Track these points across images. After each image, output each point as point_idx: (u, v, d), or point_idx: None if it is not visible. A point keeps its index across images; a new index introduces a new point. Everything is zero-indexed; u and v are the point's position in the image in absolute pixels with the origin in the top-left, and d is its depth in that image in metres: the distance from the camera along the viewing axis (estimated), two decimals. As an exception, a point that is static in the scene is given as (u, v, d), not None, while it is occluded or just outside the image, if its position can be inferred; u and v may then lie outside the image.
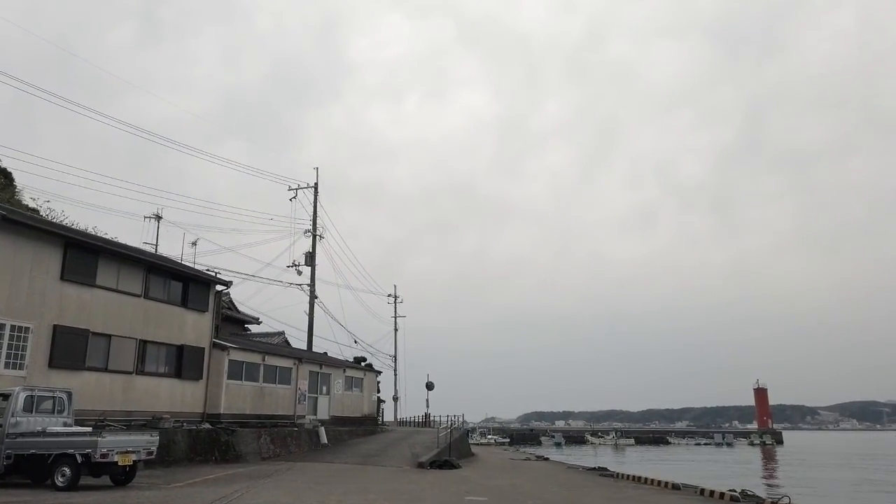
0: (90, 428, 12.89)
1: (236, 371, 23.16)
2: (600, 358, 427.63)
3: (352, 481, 16.00)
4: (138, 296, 19.73)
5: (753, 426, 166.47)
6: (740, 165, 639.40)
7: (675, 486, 16.29)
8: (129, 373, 19.17)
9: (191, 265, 26.08)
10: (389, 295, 59.15)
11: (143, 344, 19.76)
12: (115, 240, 23.91)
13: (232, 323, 34.52)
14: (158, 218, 38.10)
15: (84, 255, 17.99)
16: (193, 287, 22.04)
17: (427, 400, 46.03)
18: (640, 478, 18.59)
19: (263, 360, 24.62)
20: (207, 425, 21.07)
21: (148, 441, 12.97)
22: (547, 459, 33.77)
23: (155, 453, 13.26)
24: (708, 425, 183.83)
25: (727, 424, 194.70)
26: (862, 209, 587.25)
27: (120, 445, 12.17)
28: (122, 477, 12.96)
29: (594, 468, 25.26)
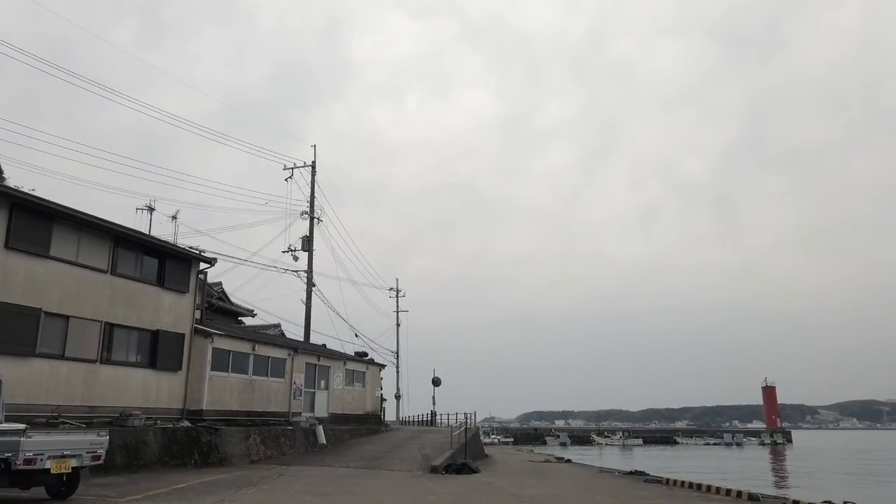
0: (21, 425, 9.93)
1: (222, 361, 20.23)
2: (600, 357, 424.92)
3: (356, 492, 13.12)
4: (104, 271, 16.79)
5: (754, 425, 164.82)
6: (743, 165, 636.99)
7: (753, 497, 13.39)
8: (93, 361, 16.24)
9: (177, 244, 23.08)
10: (391, 288, 56.27)
11: (110, 328, 16.83)
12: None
13: (225, 315, 31.63)
14: (151, 209, 35.08)
15: (35, 220, 15.04)
16: (171, 264, 19.10)
17: (433, 397, 43.11)
18: (700, 485, 15.66)
19: (253, 349, 21.68)
20: (186, 423, 18.17)
21: (93, 443, 10.04)
22: (569, 461, 30.84)
23: (103, 457, 10.34)
24: (708, 424, 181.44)
25: (727, 424, 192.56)
26: (864, 208, 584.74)
27: (53, 448, 9.25)
28: (61, 488, 10.05)
29: (631, 472, 22.32)
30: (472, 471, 18.38)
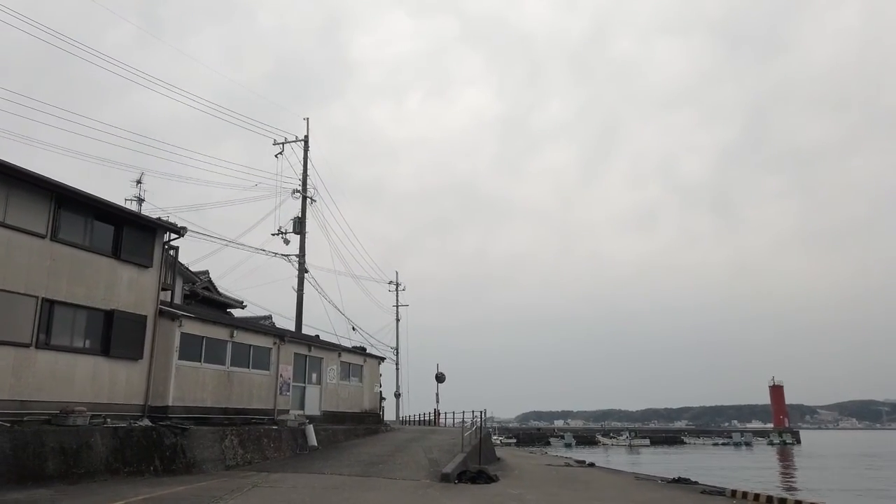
0: None
1: (192, 349, 17.15)
2: (599, 357, 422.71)
3: (349, 510, 10.05)
4: (41, 236, 13.71)
5: (753, 425, 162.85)
6: (742, 164, 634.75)
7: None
8: (26, 345, 13.14)
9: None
10: (390, 282, 53.32)
11: (50, 305, 13.75)
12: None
13: (212, 306, 28.70)
14: (141, 201, 31.80)
15: (-53, 166, 11.98)
16: (130, 233, 16.00)
17: (437, 394, 39.94)
18: (784, 500, 12.62)
19: (232, 336, 18.60)
20: (147, 422, 15.08)
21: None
22: (593, 465, 27.73)
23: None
24: (707, 424, 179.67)
25: (726, 423, 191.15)
26: (862, 208, 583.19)
27: None
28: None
29: (676, 479, 19.21)
30: (491, 479, 15.32)
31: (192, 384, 16.98)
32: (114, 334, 15.11)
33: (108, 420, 14.01)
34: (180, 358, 16.62)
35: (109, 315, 15.11)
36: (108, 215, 15.49)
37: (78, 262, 14.49)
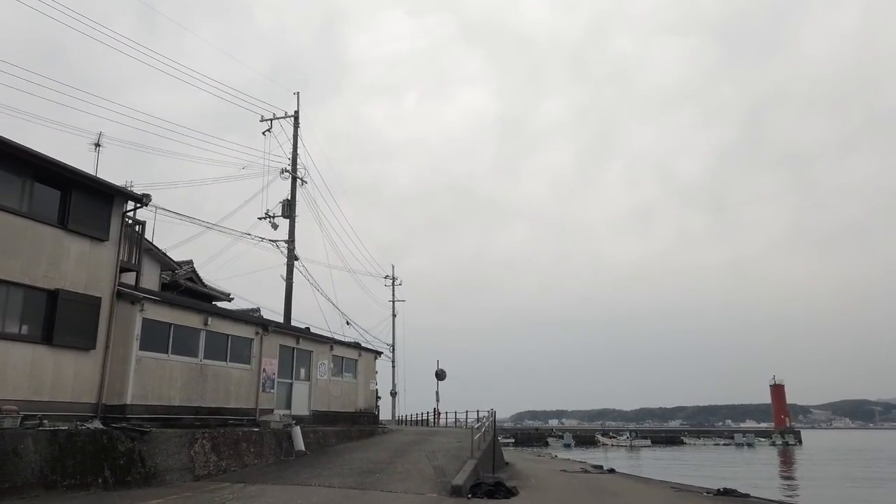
0: None
1: (157, 338, 14.60)
2: (594, 358, 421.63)
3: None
4: (-37, 195, 11.17)
5: (747, 425, 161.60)
6: (739, 165, 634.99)
7: None
8: (-60, 330, 10.61)
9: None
10: (386, 276, 50.81)
11: (-26, 281, 11.21)
12: None
13: (196, 298, 26.21)
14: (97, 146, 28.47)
15: None
16: (81, 199, 13.44)
17: (437, 393, 37.36)
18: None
19: (206, 323, 16.05)
20: (97, 424, 12.56)
21: None
22: (612, 471, 25.26)
23: None
24: (701, 424, 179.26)
25: (720, 423, 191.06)
26: (859, 210, 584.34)
27: None
28: None
29: (723, 491, 16.71)
30: (510, 492, 12.86)
31: (156, 379, 14.44)
32: (58, 318, 12.56)
33: (46, 422, 11.46)
34: (142, 348, 14.07)
35: (53, 295, 12.56)
36: (53, 176, 12.92)
37: (12, 231, 11.94)
